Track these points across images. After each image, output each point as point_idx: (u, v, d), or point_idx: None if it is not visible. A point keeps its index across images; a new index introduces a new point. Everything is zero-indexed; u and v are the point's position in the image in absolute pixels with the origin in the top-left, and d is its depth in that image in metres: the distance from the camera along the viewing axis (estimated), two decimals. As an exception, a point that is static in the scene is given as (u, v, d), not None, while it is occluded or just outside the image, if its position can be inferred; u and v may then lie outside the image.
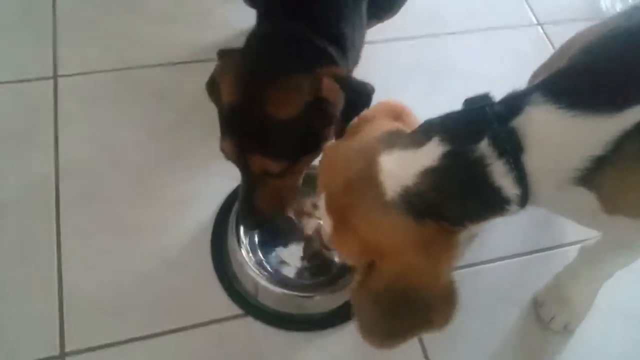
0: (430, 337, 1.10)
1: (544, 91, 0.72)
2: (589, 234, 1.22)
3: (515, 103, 0.74)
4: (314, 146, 0.98)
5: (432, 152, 0.74)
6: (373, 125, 0.84)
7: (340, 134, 0.92)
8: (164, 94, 1.36)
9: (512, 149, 0.72)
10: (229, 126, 0.96)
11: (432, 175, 0.74)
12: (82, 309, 1.08)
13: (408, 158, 0.76)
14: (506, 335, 1.15)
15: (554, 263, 1.21)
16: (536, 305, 1.17)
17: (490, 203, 0.76)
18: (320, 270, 1.15)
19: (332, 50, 1.00)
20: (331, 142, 0.93)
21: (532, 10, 1.67)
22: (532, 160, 0.72)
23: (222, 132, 0.98)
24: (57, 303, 1.08)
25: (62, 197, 1.19)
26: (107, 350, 1.04)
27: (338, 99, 0.92)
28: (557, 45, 1.59)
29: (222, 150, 0.99)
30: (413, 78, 1.45)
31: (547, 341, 1.15)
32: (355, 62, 1.13)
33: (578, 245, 1.22)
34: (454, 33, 1.58)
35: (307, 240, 1.17)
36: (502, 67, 1.51)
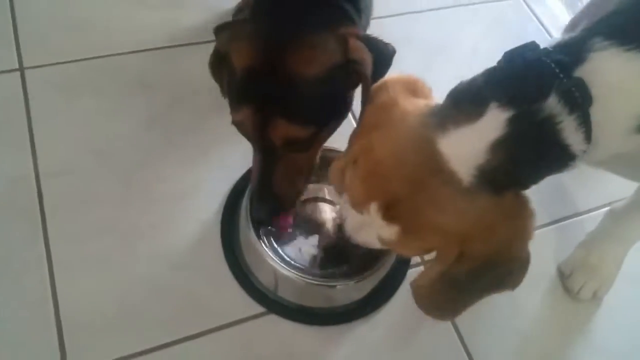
0: (463, 319, 1.04)
1: (606, 34, 0.67)
2: (603, 201, 1.23)
3: (576, 50, 0.68)
4: (341, 111, 0.90)
5: (494, 122, 0.68)
6: (400, 109, 0.76)
7: (368, 98, 0.83)
8: (146, 81, 1.24)
9: (583, 103, 0.67)
10: (246, 92, 0.85)
11: (501, 146, 0.67)
12: (84, 326, 0.95)
13: (469, 135, 0.69)
14: (536, 310, 1.12)
15: (572, 233, 1.19)
16: (562, 276, 1.14)
17: (558, 162, 0.71)
18: (337, 258, 1.06)
19: (350, 10, 0.93)
20: (356, 141, 0.82)
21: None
22: (600, 111, 0.67)
23: (236, 103, 0.87)
24: (54, 324, 0.95)
25: (47, 201, 1.05)
26: (119, 366, 0.93)
27: (367, 59, 0.85)
28: (541, 15, 1.59)
29: (237, 123, 0.88)
30: (400, 54, 1.41)
31: (577, 311, 1.12)
32: (366, 27, 1.06)
33: (593, 213, 1.23)
34: (437, 9, 1.55)
35: (323, 228, 1.09)
36: (486, 41, 1.48)
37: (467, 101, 0.71)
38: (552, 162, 0.71)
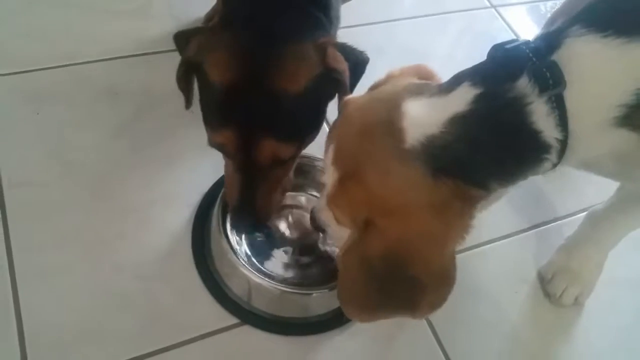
0: (442, 326, 1.03)
1: (584, 22, 0.66)
2: (581, 205, 1.22)
3: (554, 38, 0.67)
4: (320, 120, 0.88)
5: (462, 97, 0.66)
6: (399, 79, 0.76)
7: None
8: (113, 90, 1.21)
9: (554, 84, 0.64)
10: (228, 112, 0.81)
11: (461, 122, 0.65)
12: (48, 339, 0.90)
13: (435, 104, 0.67)
14: (517, 315, 1.09)
15: (552, 238, 1.18)
16: (543, 281, 1.12)
17: (527, 152, 0.67)
18: (313, 264, 1.04)
19: (322, 18, 0.91)
20: (351, 96, 0.82)
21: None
22: (575, 97, 0.65)
23: (217, 124, 0.82)
24: (16, 336, 0.90)
25: (9, 212, 1.01)
26: (84, 382, 0.88)
27: (346, 68, 0.83)
28: (513, 24, 1.61)
29: (216, 143, 0.84)
30: (374, 63, 1.41)
31: (559, 317, 1.10)
32: (334, 37, 1.05)
33: (572, 218, 1.23)
34: (412, 17, 1.55)
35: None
36: (461, 48, 1.48)
37: (449, 82, 0.71)
38: (519, 152, 0.67)
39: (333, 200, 0.73)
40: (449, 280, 0.70)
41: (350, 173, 0.69)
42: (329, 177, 0.73)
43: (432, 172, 0.65)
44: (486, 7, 1.63)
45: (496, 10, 1.63)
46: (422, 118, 0.66)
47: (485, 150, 0.66)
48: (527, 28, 1.62)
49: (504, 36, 1.56)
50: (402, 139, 0.66)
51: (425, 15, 1.57)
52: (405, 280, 0.68)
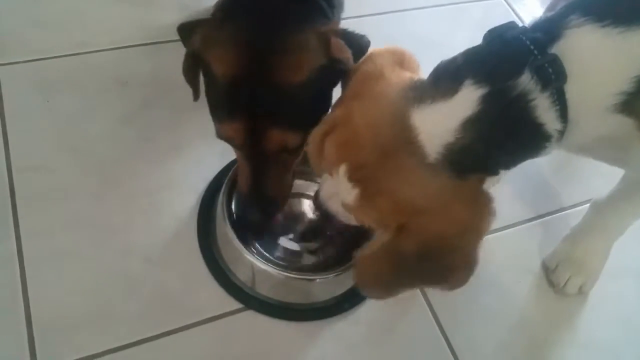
0: (445, 314, 1.04)
1: (582, 11, 0.67)
2: (587, 196, 1.21)
3: (552, 28, 0.68)
4: (326, 107, 0.88)
5: (467, 99, 0.67)
6: (385, 81, 0.76)
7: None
8: (122, 78, 1.22)
9: (556, 80, 0.66)
10: (233, 105, 0.82)
11: (473, 125, 0.67)
12: (56, 322, 0.92)
13: (442, 111, 0.68)
14: (520, 305, 1.10)
15: (557, 228, 1.18)
16: (547, 271, 1.12)
17: (531, 143, 0.70)
18: (316, 251, 1.05)
19: (324, 6, 0.92)
20: (337, 109, 0.82)
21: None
22: (575, 89, 0.66)
23: (223, 117, 0.84)
24: (24, 317, 0.92)
25: (19, 197, 1.03)
26: (90, 363, 0.90)
27: (349, 56, 0.83)
28: (523, 16, 1.59)
29: (224, 136, 0.85)
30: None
31: (563, 306, 1.10)
32: (338, 22, 1.05)
33: (578, 208, 1.22)
34: (423, 7, 1.55)
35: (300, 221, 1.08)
36: (473, 38, 1.47)
37: (445, 79, 0.71)
38: (525, 143, 0.70)
39: (359, 212, 0.75)
40: (474, 263, 0.74)
41: (376, 190, 0.71)
42: (346, 192, 0.74)
43: (458, 173, 0.68)
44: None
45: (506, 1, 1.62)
46: (436, 129, 0.68)
47: (498, 146, 0.69)
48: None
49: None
50: (423, 154, 0.68)
51: (436, 5, 1.56)
52: (438, 267, 0.73)
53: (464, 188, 0.69)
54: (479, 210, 0.71)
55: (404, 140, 0.69)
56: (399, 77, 0.77)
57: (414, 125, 0.68)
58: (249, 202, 0.92)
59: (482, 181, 0.72)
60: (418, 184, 0.69)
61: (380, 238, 0.75)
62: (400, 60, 0.81)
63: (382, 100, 0.75)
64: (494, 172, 0.72)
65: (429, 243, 0.71)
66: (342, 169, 0.73)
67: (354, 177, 0.73)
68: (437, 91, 0.70)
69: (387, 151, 0.70)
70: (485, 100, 0.67)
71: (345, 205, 0.77)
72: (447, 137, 0.67)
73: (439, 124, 0.68)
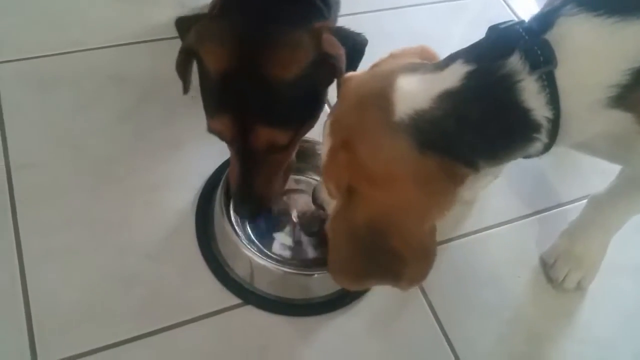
0: (444, 309, 1.04)
1: (577, 2, 0.66)
2: (585, 192, 1.21)
3: (547, 17, 0.68)
4: (319, 106, 0.88)
5: (454, 73, 0.67)
6: (400, 58, 0.77)
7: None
8: (119, 75, 1.23)
9: (545, 62, 0.65)
10: (223, 100, 0.82)
11: (451, 98, 0.66)
12: (55, 318, 0.92)
13: (427, 80, 0.69)
14: (519, 300, 1.09)
15: (555, 223, 1.17)
16: (545, 266, 1.12)
17: (516, 131, 0.68)
18: (315, 246, 1.05)
19: (320, 5, 0.92)
20: (351, 73, 0.83)
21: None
22: (566, 76, 0.65)
23: (213, 111, 0.84)
24: (23, 313, 0.92)
25: (17, 194, 1.03)
26: (89, 358, 0.89)
27: (341, 53, 0.83)
28: (520, 13, 1.60)
29: (214, 130, 0.85)
30: (382, 49, 1.42)
31: (561, 302, 1.10)
32: (334, 23, 1.05)
33: (576, 204, 1.22)
34: (421, 4, 1.55)
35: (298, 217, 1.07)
36: (471, 35, 1.47)
37: (442, 61, 0.72)
38: (507, 129, 0.68)
39: (325, 170, 0.75)
40: (429, 256, 0.71)
41: (341, 142, 0.71)
42: (324, 148, 0.74)
43: (418, 146, 0.66)
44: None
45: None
46: (413, 92, 0.68)
47: (474, 127, 0.67)
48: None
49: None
50: (392, 111, 0.67)
51: (434, 2, 1.57)
52: (387, 251, 0.69)
53: (421, 165, 0.66)
54: (431, 195, 0.67)
55: (380, 95, 0.69)
56: (410, 59, 0.78)
57: (397, 85, 0.68)
58: (238, 198, 0.92)
59: (446, 167, 0.67)
60: (375, 143, 0.68)
61: (338, 202, 0.74)
62: (420, 52, 0.81)
63: (381, 68, 0.76)
64: (469, 159, 0.68)
65: (376, 218, 0.68)
66: (327, 125, 0.74)
67: (332, 130, 0.73)
68: (431, 67, 0.71)
69: (362, 102, 0.70)
70: (470, 76, 0.66)
71: (321, 165, 0.76)
72: (421, 102, 0.66)
73: (417, 89, 0.68)
